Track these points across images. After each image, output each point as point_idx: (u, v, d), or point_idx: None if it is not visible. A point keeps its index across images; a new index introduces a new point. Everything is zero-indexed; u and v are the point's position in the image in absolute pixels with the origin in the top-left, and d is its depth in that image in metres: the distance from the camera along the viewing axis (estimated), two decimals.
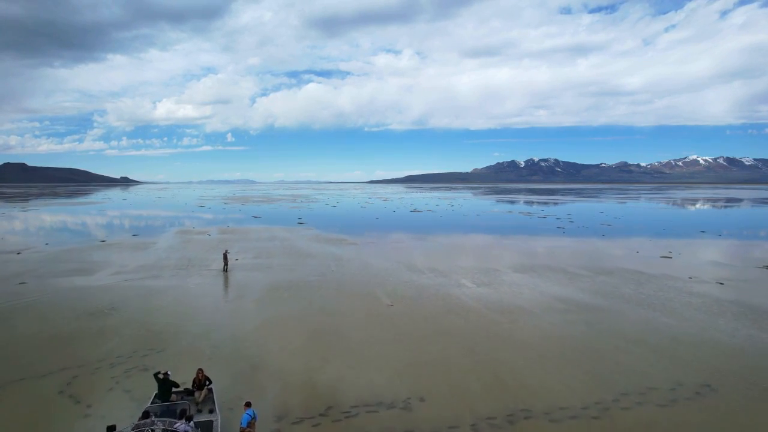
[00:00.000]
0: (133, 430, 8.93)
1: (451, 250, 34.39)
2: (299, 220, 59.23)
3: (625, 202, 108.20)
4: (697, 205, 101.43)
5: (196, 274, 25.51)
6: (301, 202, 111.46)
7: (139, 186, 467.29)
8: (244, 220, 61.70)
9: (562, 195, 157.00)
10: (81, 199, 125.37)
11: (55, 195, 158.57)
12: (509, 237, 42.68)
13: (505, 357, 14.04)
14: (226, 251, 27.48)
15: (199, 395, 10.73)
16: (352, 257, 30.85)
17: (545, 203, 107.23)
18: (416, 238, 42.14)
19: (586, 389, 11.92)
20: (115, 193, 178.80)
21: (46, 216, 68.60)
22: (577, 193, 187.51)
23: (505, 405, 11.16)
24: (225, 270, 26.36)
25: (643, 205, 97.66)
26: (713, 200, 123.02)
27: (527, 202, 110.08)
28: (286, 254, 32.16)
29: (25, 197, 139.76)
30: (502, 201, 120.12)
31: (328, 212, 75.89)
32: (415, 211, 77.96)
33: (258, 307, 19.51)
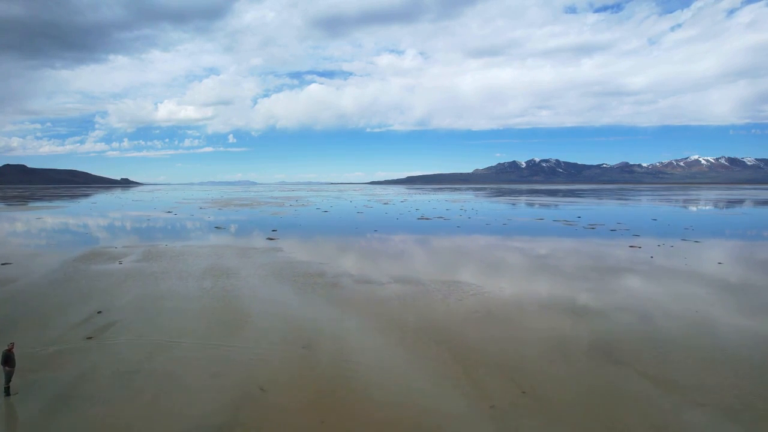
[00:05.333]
0: None
1: (509, 304, 19.04)
2: (272, 233, 44.53)
3: (659, 204, 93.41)
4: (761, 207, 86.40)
5: None
6: (290, 206, 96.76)
7: (136, 188, 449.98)
8: (198, 232, 46.99)
9: (577, 197, 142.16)
10: (45, 203, 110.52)
11: (29, 198, 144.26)
12: (579, 264, 27.36)
13: None
14: (11, 347, 11.31)
15: None
16: (322, 337, 15.44)
17: (565, 205, 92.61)
18: (436, 268, 26.93)
19: None
20: (98, 196, 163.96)
21: None
22: (590, 194, 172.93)
23: None
24: (6, 393, 10.91)
25: (693, 209, 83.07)
26: (757, 201, 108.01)
27: (545, 205, 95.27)
28: (201, 320, 17.01)
29: None
30: (516, 203, 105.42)
31: (316, 220, 61.20)
32: (422, 218, 63.16)
33: None
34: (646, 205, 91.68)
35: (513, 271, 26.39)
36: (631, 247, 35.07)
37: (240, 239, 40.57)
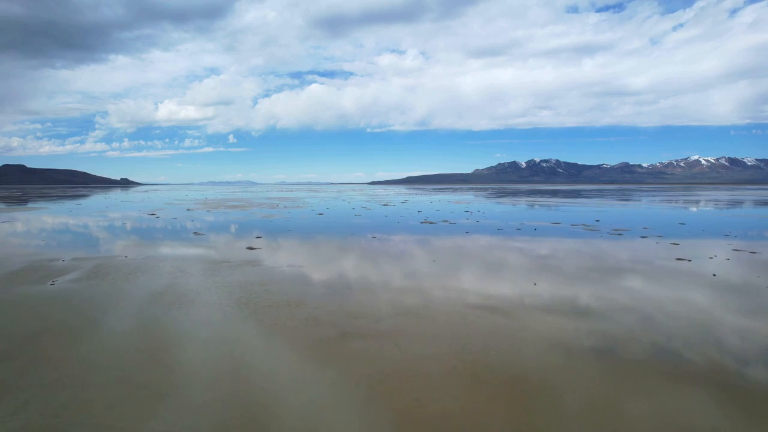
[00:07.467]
0: None
1: (571, 350, 13.45)
2: (255, 241, 38.92)
3: (674, 205, 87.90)
4: None
5: None
6: (284, 207, 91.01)
7: (135, 188, 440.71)
8: (172, 239, 41.19)
9: (583, 197, 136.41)
10: (30, 205, 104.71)
11: (18, 199, 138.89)
12: (632, 284, 21.43)
13: None
14: None
15: None
16: (283, 428, 10.38)
17: (575, 207, 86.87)
18: (448, 291, 20.73)
19: None
20: (89, 197, 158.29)
21: None
22: (595, 194, 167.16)
23: None
24: None
25: (717, 210, 77.44)
26: None
27: (553, 207, 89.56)
28: (113, 383, 11.01)
29: None
30: (523, 205, 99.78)
31: (309, 224, 55.68)
32: (426, 222, 57.65)
33: None
34: (661, 207, 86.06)
35: (549, 296, 20.78)
36: (678, 259, 29.41)
37: (216, 249, 34.93)
